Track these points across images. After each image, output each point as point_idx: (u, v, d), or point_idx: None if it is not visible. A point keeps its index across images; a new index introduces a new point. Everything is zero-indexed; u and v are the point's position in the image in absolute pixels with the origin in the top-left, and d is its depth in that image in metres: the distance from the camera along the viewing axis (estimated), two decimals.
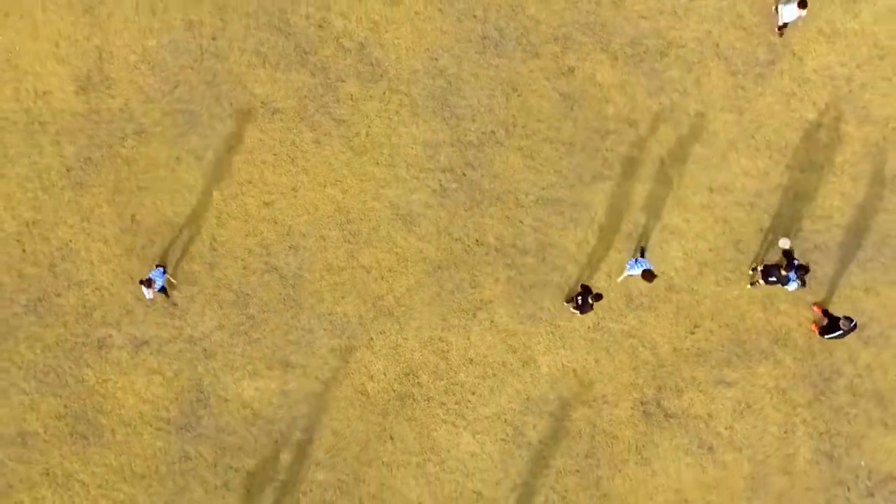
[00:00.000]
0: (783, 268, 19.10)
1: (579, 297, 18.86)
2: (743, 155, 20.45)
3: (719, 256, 20.22)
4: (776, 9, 20.37)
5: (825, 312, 19.65)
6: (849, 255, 20.39)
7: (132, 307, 19.27)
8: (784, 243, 19.49)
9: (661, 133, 20.40)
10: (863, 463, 20.07)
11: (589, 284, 19.22)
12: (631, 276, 18.61)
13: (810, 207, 20.42)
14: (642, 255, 19.47)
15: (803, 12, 19.19)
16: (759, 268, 19.72)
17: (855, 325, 18.86)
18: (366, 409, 19.47)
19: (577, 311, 19.11)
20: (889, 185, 20.55)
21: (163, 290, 18.68)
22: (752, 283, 20.10)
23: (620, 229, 20.07)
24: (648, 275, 18.21)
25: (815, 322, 20.16)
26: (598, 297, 18.46)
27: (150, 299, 18.73)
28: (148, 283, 17.81)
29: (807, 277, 19.76)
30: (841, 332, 18.87)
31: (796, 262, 19.05)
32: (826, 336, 19.38)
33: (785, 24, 20.14)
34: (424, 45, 20.27)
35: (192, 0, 20.02)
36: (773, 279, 19.34)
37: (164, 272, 18.42)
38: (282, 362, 19.37)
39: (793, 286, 19.25)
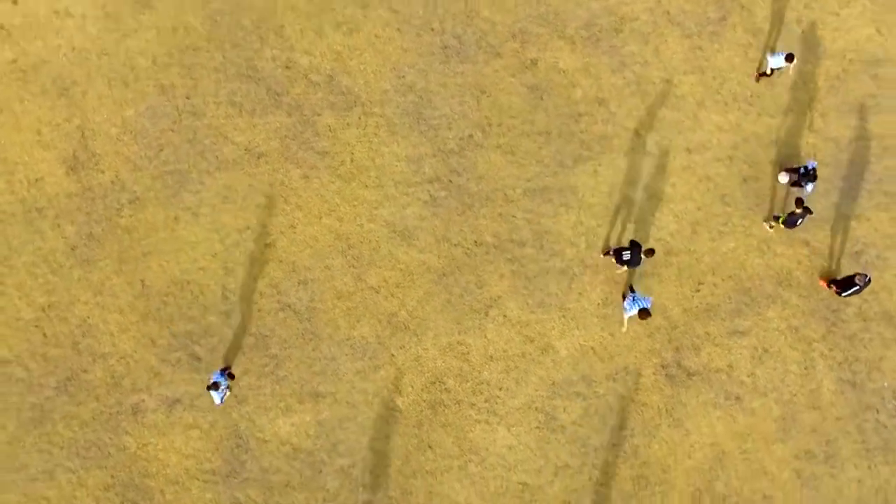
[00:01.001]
0: (798, 210, 19.56)
1: (626, 253, 19.36)
2: (713, 112, 21.09)
3: (709, 213, 20.81)
4: (763, 57, 20.89)
5: (833, 282, 20.18)
6: (833, 188, 21.00)
7: (158, 369, 19.79)
8: (783, 178, 19.82)
9: (630, 106, 21.04)
10: (886, 384, 20.59)
11: (636, 240, 19.51)
12: (630, 317, 19.01)
13: (786, 150, 21.04)
14: (632, 291, 19.94)
15: (791, 65, 19.81)
16: (781, 218, 20.22)
17: (869, 280, 19.40)
18: (400, 424, 19.97)
19: (625, 266, 19.57)
20: (857, 114, 21.18)
21: (227, 380, 19.00)
22: (774, 220, 20.59)
23: (609, 204, 20.67)
24: (644, 313, 18.69)
25: (823, 278, 20.63)
26: (651, 251, 18.94)
27: (220, 403, 19.05)
28: (215, 386, 18.30)
29: (802, 220, 20.19)
30: (857, 287, 19.41)
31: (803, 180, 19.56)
32: (844, 294, 19.89)
33: (766, 73, 20.71)
34: (390, 66, 20.91)
35: (160, 66, 20.64)
36: (798, 216, 19.86)
37: (226, 373, 18.80)
38: (311, 394, 19.88)
39: (809, 187, 19.78)
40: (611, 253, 19.62)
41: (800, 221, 19.81)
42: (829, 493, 20.12)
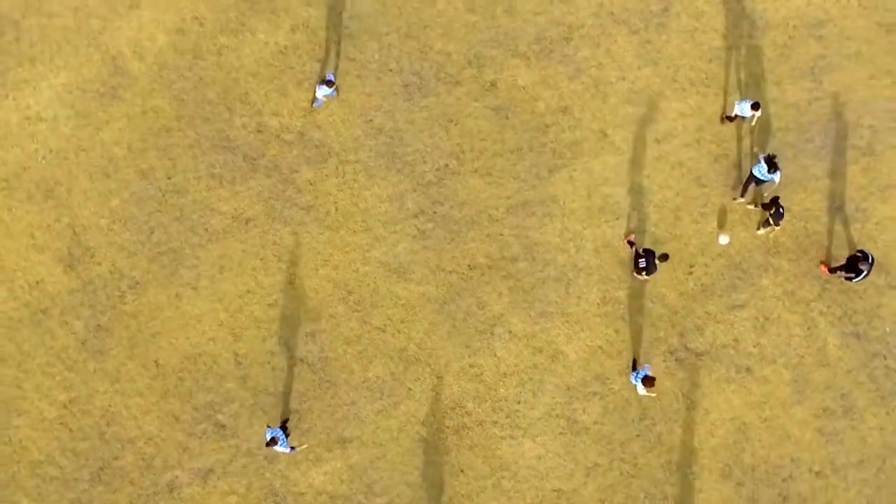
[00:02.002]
0: (772, 207, 20.19)
1: (642, 261, 19.76)
2: (673, 100, 21.76)
3: (687, 197, 21.43)
4: (729, 103, 21.32)
5: (837, 269, 20.78)
6: (800, 152, 21.65)
7: (186, 444, 20.23)
8: (723, 240, 20.22)
9: (593, 109, 21.69)
10: (888, 329, 21.13)
11: (652, 249, 19.96)
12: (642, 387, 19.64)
13: (749, 124, 21.70)
14: (634, 368, 20.33)
15: (757, 113, 20.49)
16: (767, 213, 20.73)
17: (873, 259, 20.00)
18: (429, 454, 20.42)
19: (643, 275, 20.02)
20: (809, 77, 21.88)
21: (284, 431, 19.33)
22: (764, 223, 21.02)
23: (591, 206, 21.27)
24: (649, 380, 19.08)
25: (823, 263, 21.21)
26: (665, 256, 19.39)
27: (291, 451, 19.35)
28: (273, 441, 18.67)
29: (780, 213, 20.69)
30: (865, 272, 19.99)
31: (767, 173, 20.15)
32: (855, 281, 20.47)
33: (732, 118, 21.26)
34: (356, 113, 21.55)
35: (136, 152, 21.23)
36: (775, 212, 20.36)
37: (284, 430, 19.21)
38: (338, 441, 20.33)
39: (776, 177, 20.26)
40: (633, 247, 20.16)
41: (782, 212, 20.26)
42: (854, 445, 20.60)
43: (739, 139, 21.64)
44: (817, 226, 21.37)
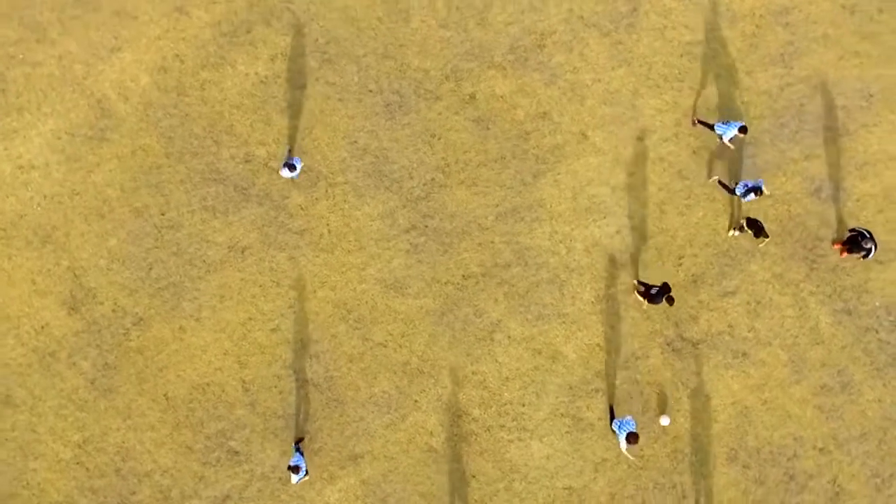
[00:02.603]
0: (751, 224, 20.72)
1: (654, 289, 20.06)
2: (648, 97, 22.26)
3: (670, 191, 21.90)
4: (715, 128, 21.16)
5: (844, 243, 21.28)
6: (776, 137, 22.15)
7: (201, 473, 20.60)
8: (664, 421, 20.26)
9: (571, 112, 22.19)
10: (877, 303, 21.59)
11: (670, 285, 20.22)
12: (625, 444, 19.93)
13: (725, 114, 22.21)
14: (611, 417, 20.51)
15: (744, 136, 20.85)
16: (742, 223, 21.18)
17: (870, 234, 20.57)
18: (440, 463, 20.82)
19: (645, 300, 20.43)
20: (779, 63, 22.41)
21: (299, 451, 19.84)
22: (738, 229, 21.50)
23: (577, 208, 21.74)
24: (633, 437, 19.20)
25: (835, 241, 21.66)
26: (671, 300, 19.76)
27: (300, 480, 19.84)
28: (295, 469, 19.10)
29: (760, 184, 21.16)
30: (869, 248, 20.55)
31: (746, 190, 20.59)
32: (867, 258, 20.97)
33: (708, 124, 21.33)
34: (340, 135, 22.01)
35: (129, 191, 21.65)
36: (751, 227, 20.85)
37: (298, 450, 19.74)
38: (350, 458, 20.72)
39: (748, 195, 20.57)
40: (640, 289, 20.55)
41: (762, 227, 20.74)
42: (855, 419, 21.04)
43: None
44: (799, 208, 21.85)
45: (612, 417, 20.40)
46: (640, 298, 20.78)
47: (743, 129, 20.41)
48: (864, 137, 22.29)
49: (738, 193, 20.69)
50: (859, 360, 21.31)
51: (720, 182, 21.35)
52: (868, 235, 20.61)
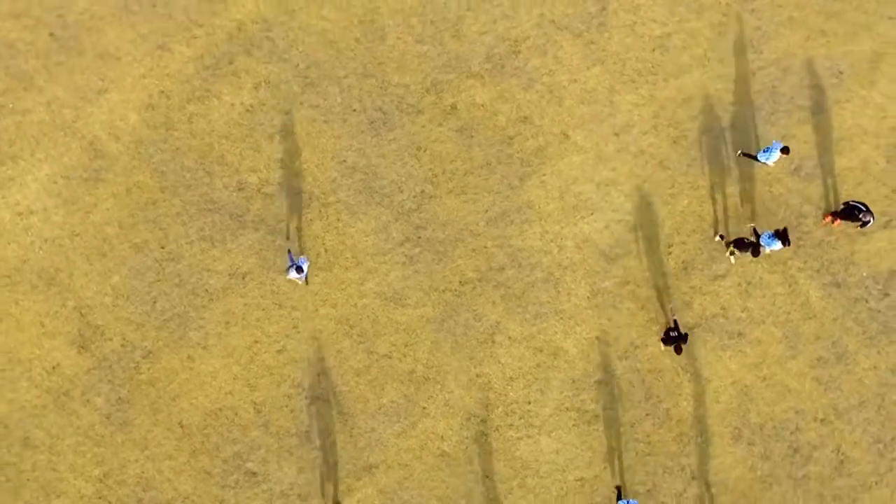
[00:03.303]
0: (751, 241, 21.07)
1: (672, 332, 20.56)
2: (625, 93, 22.83)
3: (654, 182, 22.46)
4: (759, 158, 21.68)
5: (836, 213, 21.80)
6: (753, 119, 22.73)
7: (222, 496, 21.05)
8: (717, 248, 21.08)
9: (551, 114, 22.75)
10: (864, 273, 22.14)
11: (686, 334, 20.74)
12: None
13: (700, 103, 22.79)
14: (619, 498, 20.77)
15: (787, 155, 21.33)
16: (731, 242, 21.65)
17: (865, 205, 21.12)
18: (453, 466, 21.31)
19: (663, 343, 21.13)
20: (749, 49, 23.01)
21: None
22: (731, 253, 21.90)
23: (565, 206, 22.28)
24: None
25: (826, 214, 22.18)
26: (678, 349, 20.42)
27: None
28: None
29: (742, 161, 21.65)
30: (868, 221, 21.11)
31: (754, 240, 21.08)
32: (864, 227, 21.57)
33: (751, 155, 21.94)
34: (329, 156, 22.55)
35: (127, 228, 22.15)
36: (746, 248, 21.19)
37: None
38: (365, 469, 21.20)
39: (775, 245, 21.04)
40: (665, 338, 21.02)
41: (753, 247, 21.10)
42: (852, 388, 21.58)
43: (693, 118, 22.71)
44: (781, 188, 22.42)
45: (619, 498, 20.62)
46: (663, 343, 21.36)
47: (785, 150, 20.94)
48: (838, 114, 22.88)
49: (762, 160, 21.27)
50: (852, 330, 21.86)
51: (744, 153, 21.98)
52: (865, 208, 21.11)
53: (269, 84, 22.87)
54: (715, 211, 22.28)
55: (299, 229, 22.11)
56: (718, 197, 22.36)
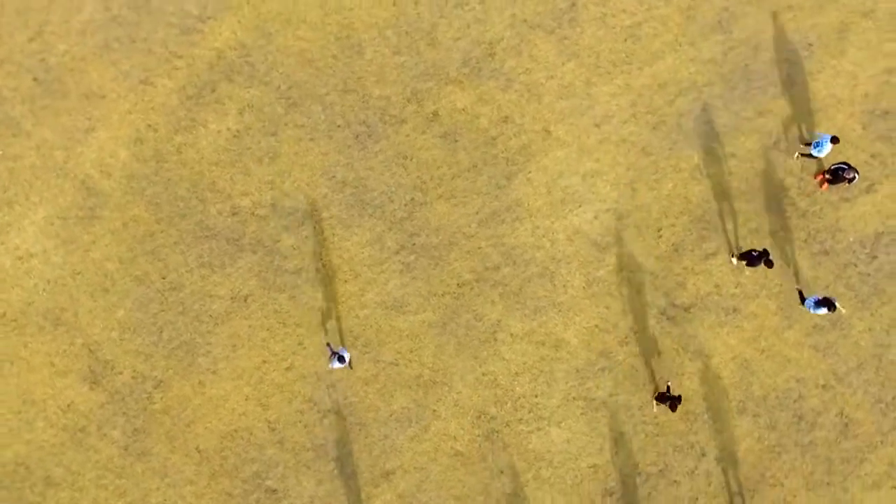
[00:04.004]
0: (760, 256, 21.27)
1: (669, 398, 20.77)
2: (601, 84, 23.26)
3: (638, 169, 22.90)
4: (814, 155, 21.95)
5: (827, 172, 22.24)
6: (729, 100, 23.17)
7: None
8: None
9: (532, 112, 23.18)
10: (851, 238, 22.60)
11: (677, 397, 20.81)
12: None
13: (676, 88, 23.22)
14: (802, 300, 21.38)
15: (838, 144, 21.76)
16: (738, 254, 21.96)
17: (849, 165, 21.51)
18: (468, 465, 21.73)
19: (659, 402, 21.39)
20: (719, 30, 23.44)
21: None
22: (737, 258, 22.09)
23: (553, 201, 22.71)
24: None
25: (817, 174, 22.62)
26: (673, 408, 20.60)
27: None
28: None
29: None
30: (853, 177, 21.43)
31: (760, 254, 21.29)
32: (851, 183, 21.95)
33: (810, 156, 22.18)
34: (319, 173, 22.95)
35: (127, 262, 22.53)
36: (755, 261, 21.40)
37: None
38: (382, 475, 21.61)
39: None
40: (658, 397, 21.25)
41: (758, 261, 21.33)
42: (850, 351, 22.04)
43: (670, 102, 23.16)
44: (762, 163, 22.88)
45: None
46: (656, 403, 21.67)
47: (834, 140, 21.15)
48: (811, 85, 23.34)
49: (816, 154, 21.63)
50: (844, 295, 22.32)
51: (802, 154, 22.41)
52: (847, 166, 21.53)
53: (253, 108, 23.26)
54: (699, 192, 22.70)
55: (295, 247, 22.51)
56: (702, 178, 22.80)
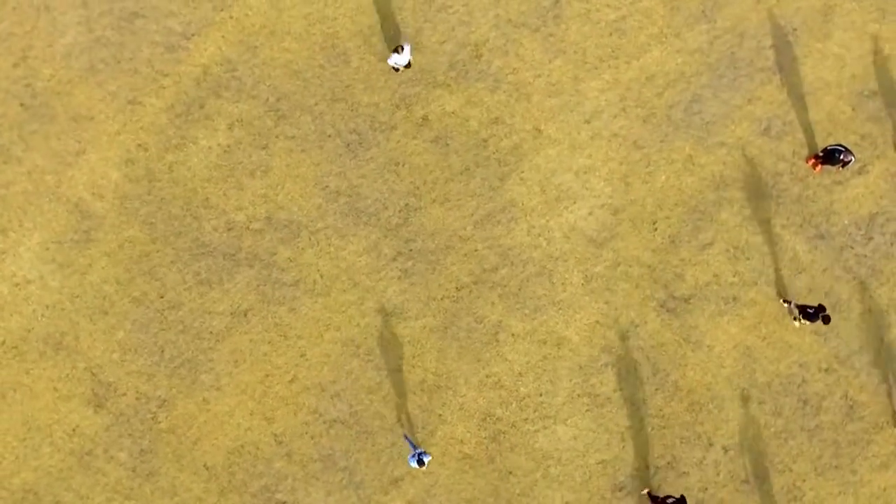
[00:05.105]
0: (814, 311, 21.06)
1: (814, 312, 20.72)
2: (589, 81, 23.28)
3: (630, 163, 22.93)
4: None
5: (819, 157, 22.29)
6: (717, 88, 23.20)
7: None
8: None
9: (521, 112, 23.19)
10: (846, 221, 22.67)
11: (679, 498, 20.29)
12: None
13: (664, 79, 23.25)
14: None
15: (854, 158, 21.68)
16: (794, 306, 21.70)
17: (845, 147, 21.56)
18: (476, 467, 21.75)
19: (805, 319, 21.24)
20: (702, 20, 23.48)
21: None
22: (795, 318, 21.89)
23: (548, 199, 22.73)
24: None
25: (808, 157, 22.70)
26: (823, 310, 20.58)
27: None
28: (420, 462, 20.06)
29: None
30: (850, 161, 21.50)
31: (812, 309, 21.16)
32: (846, 167, 21.99)
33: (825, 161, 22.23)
34: (311, 183, 22.95)
35: (125, 283, 22.51)
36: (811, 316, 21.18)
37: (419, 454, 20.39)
38: (391, 482, 21.62)
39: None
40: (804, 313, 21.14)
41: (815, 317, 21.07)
42: (852, 333, 22.11)
43: (659, 95, 23.19)
44: (753, 150, 22.92)
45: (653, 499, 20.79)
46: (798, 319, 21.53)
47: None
48: (799, 70, 23.38)
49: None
50: (842, 278, 22.38)
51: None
52: (844, 149, 21.56)
53: (243, 122, 23.23)
54: (692, 183, 22.73)
55: (292, 259, 22.50)
56: (695, 169, 22.84)
